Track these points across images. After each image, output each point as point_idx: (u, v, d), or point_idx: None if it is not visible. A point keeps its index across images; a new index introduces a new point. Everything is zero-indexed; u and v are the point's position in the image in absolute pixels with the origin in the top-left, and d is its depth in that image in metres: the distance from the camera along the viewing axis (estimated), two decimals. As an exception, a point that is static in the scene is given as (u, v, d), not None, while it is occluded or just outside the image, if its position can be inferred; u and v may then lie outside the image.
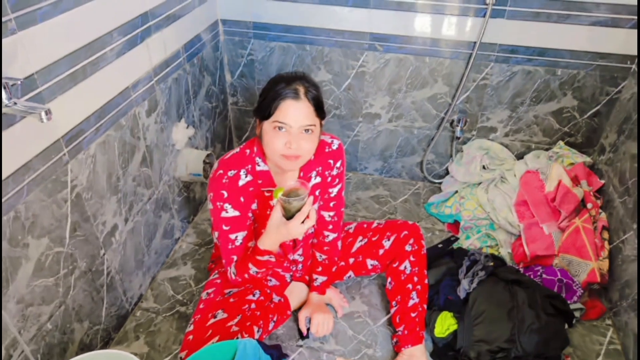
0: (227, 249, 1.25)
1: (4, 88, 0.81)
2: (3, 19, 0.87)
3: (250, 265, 1.21)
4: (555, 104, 1.82)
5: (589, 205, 1.64)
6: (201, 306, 1.33)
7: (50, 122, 0.84)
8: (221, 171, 1.19)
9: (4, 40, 0.88)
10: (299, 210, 1.11)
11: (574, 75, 1.74)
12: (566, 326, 1.42)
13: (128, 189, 1.38)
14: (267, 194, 1.25)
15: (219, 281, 1.42)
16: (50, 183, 1.06)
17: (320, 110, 1.15)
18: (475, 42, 1.71)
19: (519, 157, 1.96)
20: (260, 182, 1.23)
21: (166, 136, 1.56)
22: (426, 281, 1.43)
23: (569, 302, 1.48)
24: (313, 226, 1.39)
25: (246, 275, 1.23)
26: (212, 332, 1.23)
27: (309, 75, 1.16)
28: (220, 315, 1.28)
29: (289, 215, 1.13)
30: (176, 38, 1.53)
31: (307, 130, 1.13)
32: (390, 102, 1.94)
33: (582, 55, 1.68)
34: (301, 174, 1.27)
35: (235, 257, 1.25)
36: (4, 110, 0.83)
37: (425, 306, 1.41)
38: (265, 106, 1.12)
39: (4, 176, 0.94)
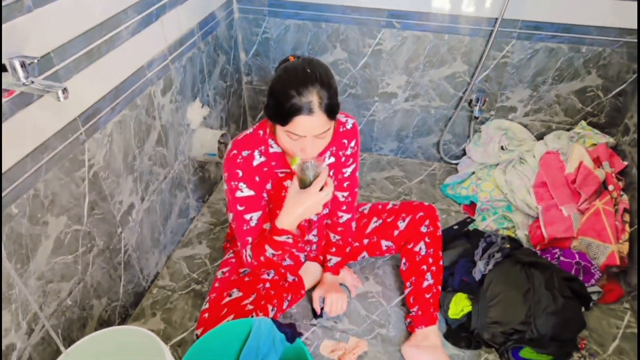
0: (241, 230, 1.23)
1: (22, 66, 0.80)
2: (18, -4, 0.86)
3: (266, 247, 1.19)
4: (578, 83, 1.77)
5: (611, 187, 1.60)
6: (216, 285, 1.35)
7: (67, 101, 0.84)
8: (235, 151, 1.18)
9: (20, 18, 0.87)
10: (315, 177, 1.11)
11: (600, 53, 1.68)
12: (583, 309, 1.41)
13: (144, 168, 1.39)
14: (281, 175, 1.24)
15: (233, 260, 1.43)
16: (68, 162, 1.07)
17: (335, 113, 1.08)
18: (496, 19, 1.66)
19: (539, 137, 1.91)
20: (273, 163, 1.22)
21: (181, 116, 1.56)
22: (441, 263, 1.42)
23: (586, 285, 1.46)
24: (327, 206, 1.38)
25: (262, 258, 1.21)
26: (227, 311, 1.24)
27: (321, 72, 1.05)
28: (235, 293, 1.30)
29: (305, 185, 1.12)
30: (191, 16, 1.51)
31: (320, 137, 1.09)
32: (407, 81, 1.90)
33: (609, 31, 1.62)
34: None
35: (250, 239, 1.24)
36: (21, 89, 0.83)
37: (439, 287, 1.41)
38: (277, 114, 1.06)
39: (23, 154, 0.95)
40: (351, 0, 1.74)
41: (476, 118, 1.91)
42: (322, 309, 1.44)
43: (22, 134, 0.93)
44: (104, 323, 1.33)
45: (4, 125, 0.88)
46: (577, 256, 1.51)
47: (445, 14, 1.71)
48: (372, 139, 2.13)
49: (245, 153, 1.18)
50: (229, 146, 1.20)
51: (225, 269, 1.40)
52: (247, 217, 1.22)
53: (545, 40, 1.69)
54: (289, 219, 1.15)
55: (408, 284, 1.42)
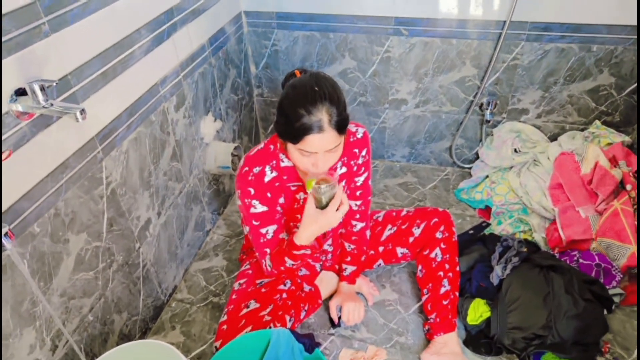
0: (259, 243, 1.26)
1: (41, 90, 0.83)
2: (37, 22, 0.90)
3: (286, 259, 1.24)
4: (590, 82, 1.75)
5: (628, 187, 1.57)
6: (234, 297, 1.36)
7: (85, 121, 0.86)
8: (247, 168, 1.19)
9: (38, 43, 0.91)
10: (331, 199, 1.13)
11: (611, 51, 1.66)
12: (605, 312, 1.39)
13: (160, 184, 1.41)
14: (293, 188, 1.25)
15: (250, 272, 1.44)
16: (86, 180, 1.10)
17: (345, 127, 1.09)
18: (504, 21, 1.65)
19: (553, 138, 1.90)
20: (285, 177, 1.23)
21: (194, 130, 1.58)
22: (457, 268, 1.41)
23: (607, 287, 1.43)
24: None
25: (282, 268, 1.26)
26: (245, 322, 1.25)
27: (329, 88, 1.05)
28: (253, 305, 1.31)
29: (321, 206, 1.15)
30: (201, 32, 1.54)
31: (331, 152, 1.10)
32: (417, 87, 1.90)
33: (620, 29, 1.61)
34: None
35: (268, 250, 1.27)
36: (41, 111, 0.86)
37: (457, 293, 1.40)
38: (287, 134, 1.07)
39: (44, 174, 0.97)
40: (358, 9, 1.76)
41: (488, 121, 1.90)
42: (339, 318, 1.44)
43: (43, 154, 0.96)
44: (124, 337, 1.34)
45: (25, 146, 0.91)
46: (596, 258, 1.49)
47: (452, 19, 1.71)
48: (384, 145, 2.13)
49: (256, 170, 1.19)
50: (241, 162, 1.22)
51: (242, 281, 1.41)
52: (263, 231, 1.24)
53: (555, 41, 1.68)
54: (306, 236, 1.19)
55: (425, 290, 1.42)
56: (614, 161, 1.67)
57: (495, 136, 1.93)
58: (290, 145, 1.11)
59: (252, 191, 1.19)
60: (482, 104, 1.89)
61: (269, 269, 1.29)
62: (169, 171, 1.46)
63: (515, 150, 1.87)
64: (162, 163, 1.41)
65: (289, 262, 1.24)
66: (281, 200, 1.26)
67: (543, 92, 1.81)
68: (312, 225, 1.16)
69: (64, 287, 1.08)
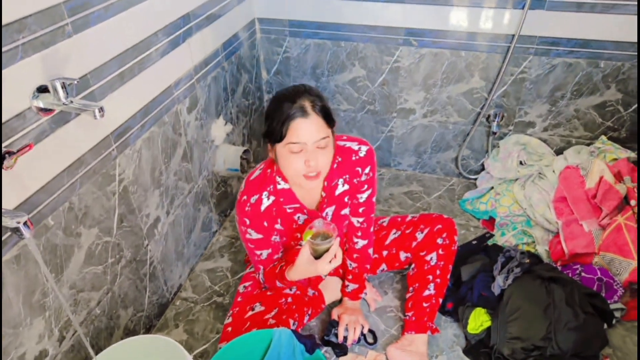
0: (254, 260, 1.34)
1: (62, 87, 0.87)
2: (61, 23, 0.93)
3: (276, 282, 1.31)
4: (597, 98, 1.77)
5: (632, 202, 1.58)
6: (239, 299, 1.39)
7: (102, 119, 0.89)
8: (245, 197, 1.21)
9: (61, 43, 0.94)
10: (326, 250, 1.17)
11: (619, 67, 1.68)
12: (605, 326, 1.39)
13: (170, 183, 1.44)
14: (289, 211, 1.27)
15: (254, 274, 1.46)
16: (100, 177, 1.13)
17: (329, 119, 1.13)
18: (513, 35, 1.68)
19: (559, 152, 1.91)
20: (282, 199, 1.23)
21: (205, 132, 1.62)
22: (448, 277, 1.43)
23: (609, 301, 1.44)
24: (345, 226, 1.40)
25: (272, 285, 1.34)
26: (250, 324, 1.28)
27: (310, 86, 1.14)
28: (258, 308, 1.33)
29: (316, 255, 1.19)
30: (215, 37, 1.58)
31: (321, 146, 1.11)
32: (425, 97, 1.93)
33: (627, 46, 1.62)
34: (325, 184, 1.25)
35: (262, 267, 1.34)
36: (61, 108, 0.89)
37: (440, 300, 1.42)
38: (275, 129, 1.10)
39: (60, 169, 1.01)
40: (369, 19, 1.79)
41: (494, 133, 1.92)
42: (345, 337, 1.42)
43: (61, 150, 1.00)
44: (129, 333, 1.37)
45: (44, 141, 0.95)
46: (598, 272, 1.50)
47: (462, 31, 1.74)
48: (391, 154, 2.15)
49: (253, 199, 1.21)
50: (242, 186, 1.24)
51: (247, 284, 1.44)
52: (258, 252, 1.30)
53: (563, 56, 1.70)
54: (297, 276, 1.24)
55: (411, 289, 1.44)
56: (618, 176, 1.68)
57: (501, 148, 1.95)
58: (280, 150, 1.13)
59: (248, 221, 1.23)
60: (489, 116, 1.91)
61: (261, 281, 1.37)
62: (179, 171, 1.49)
63: (520, 163, 1.88)
64: (173, 163, 1.44)
65: (278, 284, 1.31)
66: (277, 226, 1.29)
67: (550, 106, 1.83)
68: (304, 271, 1.21)
69: (74, 279, 1.11)
